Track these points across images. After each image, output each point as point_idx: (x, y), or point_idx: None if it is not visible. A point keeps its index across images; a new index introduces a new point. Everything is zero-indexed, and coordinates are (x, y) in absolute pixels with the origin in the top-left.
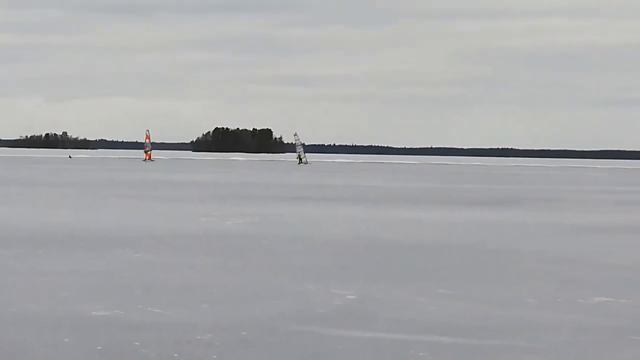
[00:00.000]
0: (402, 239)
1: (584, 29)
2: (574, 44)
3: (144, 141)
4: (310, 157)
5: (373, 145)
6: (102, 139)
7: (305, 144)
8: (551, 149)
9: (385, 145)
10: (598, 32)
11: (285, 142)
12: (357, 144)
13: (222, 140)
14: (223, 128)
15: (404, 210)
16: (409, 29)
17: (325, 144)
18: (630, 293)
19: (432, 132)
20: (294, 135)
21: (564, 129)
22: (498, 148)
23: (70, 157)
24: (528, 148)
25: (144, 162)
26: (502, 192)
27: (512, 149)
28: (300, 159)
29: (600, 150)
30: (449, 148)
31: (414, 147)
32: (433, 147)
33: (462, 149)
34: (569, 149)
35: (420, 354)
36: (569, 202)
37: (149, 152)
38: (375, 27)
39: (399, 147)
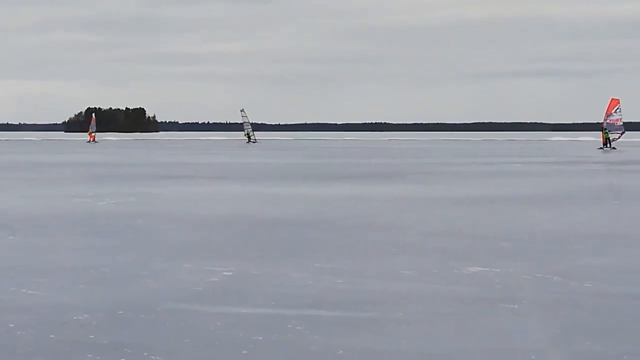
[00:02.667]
0: (278, 215)
1: (456, 4)
2: (446, 18)
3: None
4: (184, 135)
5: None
6: None
7: (179, 122)
8: (424, 122)
9: (260, 122)
10: (469, 7)
11: (159, 120)
12: (231, 122)
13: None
14: (95, 108)
15: (280, 186)
16: (284, 7)
17: (200, 122)
18: (504, 263)
19: (307, 109)
20: (241, 111)
21: (437, 103)
22: (372, 123)
23: None
24: (402, 122)
25: (87, 143)
26: (378, 166)
27: (386, 123)
28: (249, 138)
29: (473, 123)
30: (324, 124)
31: (289, 123)
32: (307, 123)
33: (337, 124)
34: (443, 122)
35: (297, 328)
36: (442, 175)
37: (93, 134)
38: (252, 5)
39: (274, 123)
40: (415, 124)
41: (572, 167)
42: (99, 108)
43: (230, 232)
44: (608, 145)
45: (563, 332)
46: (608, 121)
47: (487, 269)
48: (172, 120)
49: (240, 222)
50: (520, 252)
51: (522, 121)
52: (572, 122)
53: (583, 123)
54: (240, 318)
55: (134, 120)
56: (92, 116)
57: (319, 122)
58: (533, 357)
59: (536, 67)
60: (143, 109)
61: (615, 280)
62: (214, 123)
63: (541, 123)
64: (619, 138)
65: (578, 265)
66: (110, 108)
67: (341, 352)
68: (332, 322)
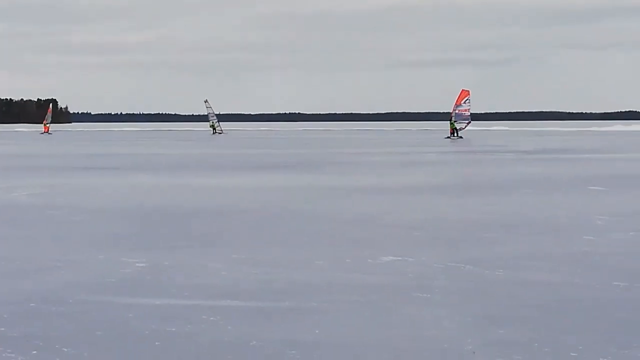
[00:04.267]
0: (193, 206)
1: None
2: (362, 6)
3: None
4: (95, 126)
5: (161, 113)
6: None
7: (92, 113)
8: (338, 112)
9: (173, 113)
10: None
11: (72, 111)
12: (144, 112)
13: (5, 112)
14: (6, 99)
15: (194, 176)
16: None
17: (113, 113)
18: (416, 252)
19: (222, 99)
20: (205, 102)
21: (350, 92)
22: (286, 113)
23: None
24: (316, 112)
25: (41, 134)
26: (291, 156)
27: (299, 113)
28: (214, 129)
29: (387, 113)
30: (239, 114)
31: (202, 114)
32: (221, 113)
33: (251, 114)
34: (356, 112)
35: (211, 319)
36: (356, 165)
37: (47, 125)
38: None
39: (187, 114)
40: (329, 114)
41: (484, 156)
42: (10, 99)
43: (144, 223)
44: (455, 134)
45: (475, 320)
46: (457, 111)
47: (400, 258)
48: (85, 112)
49: (154, 213)
50: (433, 241)
51: (437, 111)
52: (484, 112)
53: (494, 113)
54: (153, 309)
55: (46, 112)
56: (49, 107)
57: (233, 112)
58: (445, 345)
59: (449, 56)
60: (55, 100)
61: (525, 268)
62: (127, 114)
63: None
64: (465, 127)
65: (489, 253)
66: (22, 99)
67: (254, 342)
68: (247, 312)
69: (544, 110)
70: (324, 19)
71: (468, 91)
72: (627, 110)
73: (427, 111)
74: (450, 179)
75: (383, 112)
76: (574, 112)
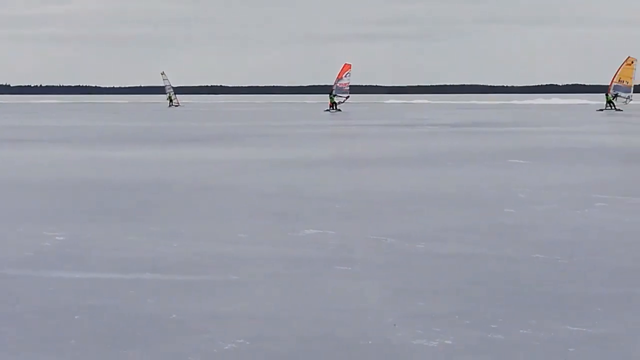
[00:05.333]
0: (114, 179)
1: None
2: None
3: None
4: (11, 98)
5: (81, 85)
6: None
7: (10, 85)
8: (260, 85)
9: (94, 85)
10: None
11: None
12: (64, 85)
13: None
14: None
15: (116, 150)
16: None
17: (32, 85)
18: (338, 225)
19: (142, 71)
20: (161, 74)
21: (272, 65)
22: (208, 85)
23: None
24: (238, 85)
25: None
26: (213, 129)
27: (222, 86)
28: (171, 101)
29: (309, 86)
30: (159, 87)
31: (124, 86)
32: (142, 86)
33: (174, 87)
34: (278, 85)
35: (131, 292)
36: (278, 138)
37: None
38: None
39: (108, 86)
40: (251, 86)
41: (405, 130)
42: None
43: (64, 196)
44: (334, 108)
45: (396, 292)
46: (338, 85)
47: (321, 231)
48: (3, 84)
49: (75, 186)
50: (355, 214)
51: (358, 84)
52: (406, 85)
53: (416, 86)
54: (73, 283)
55: None
56: None
57: (155, 85)
58: (366, 318)
59: (369, 30)
60: None
61: (446, 241)
62: (47, 86)
63: (376, 86)
64: (344, 101)
65: (411, 227)
66: None
67: (174, 315)
68: (167, 285)
69: (465, 83)
70: None
71: (349, 65)
72: (548, 83)
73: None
74: (372, 152)
75: (305, 85)
76: (495, 85)
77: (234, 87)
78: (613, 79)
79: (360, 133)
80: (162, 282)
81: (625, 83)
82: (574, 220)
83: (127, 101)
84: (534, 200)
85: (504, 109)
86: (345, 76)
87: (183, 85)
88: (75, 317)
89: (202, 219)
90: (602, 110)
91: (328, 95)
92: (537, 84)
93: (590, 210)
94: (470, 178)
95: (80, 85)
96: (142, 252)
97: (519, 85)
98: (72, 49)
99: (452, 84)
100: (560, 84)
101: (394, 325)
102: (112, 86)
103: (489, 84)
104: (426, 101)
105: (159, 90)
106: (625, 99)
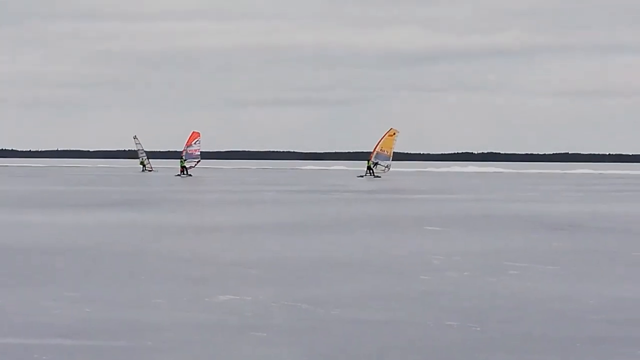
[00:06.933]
0: (28, 243)
1: (207, 32)
2: (196, 46)
3: None
4: None
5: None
6: None
7: None
8: (179, 150)
9: (10, 149)
10: (217, 35)
11: None
12: None
13: None
14: None
15: (31, 214)
16: (38, 31)
17: None
18: (254, 290)
19: (58, 135)
20: (134, 138)
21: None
22: (125, 150)
23: None
24: (157, 150)
25: None
26: (130, 193)
27: (132, 151)
28: (144, 166)
29: (226, 151)
30: (76, 150)
31: (40, 150)
32: (59, 149)
33: (89, 151)
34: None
35: (44, 357)
36: (193, 203)
37: None
38: (5, 29)
39: (25, 150)
40: (169, 151)
41: (321, 196)
42: None
43: None
44: (185, 172)
45: (312, 357)
46: (187, 151)
47: (237, 297)
48: None
49: None
50: (270, 279)
51: (276, 150)
52: (324, 151)
53: (334, 152)
54: None
55: None
56: None
57: (72, 148)
58: None
59: (288, 96)
60: None
61: (363, 307)
62: None
63: (294, 152)
64: (194, 166)
65: (327, 293)
66: None
67: None
68: (81, 351)
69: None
70: (158, 58)
71: (198, 133)
72: (463, 151)
73: (266, 150)
74: (289, 218)
75: (223, 150)
76: (412, 152)
77: (154, 151)
78: (375, 147)
79: (278, 199)
80: (74, 348)
81: (385, 152)
82: (487, 287)
83: (43, 165)
84: (449, 267)
85: (420, 176)
86: (195, 143)
87: (99, 149)
88: None
89: (117, 284)
90: (362, 176)
91: (179, 160)
92: (453, 152)
93: (503, 277)
94: (386, 244)
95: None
96: (55, 317)
97: (435, 153)
98: None
99: (369, 150)
100: (475, 152)
101: None
102: (28, 150)
103: (405, 152)
104: (343, 167)
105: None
106: (384, 167)
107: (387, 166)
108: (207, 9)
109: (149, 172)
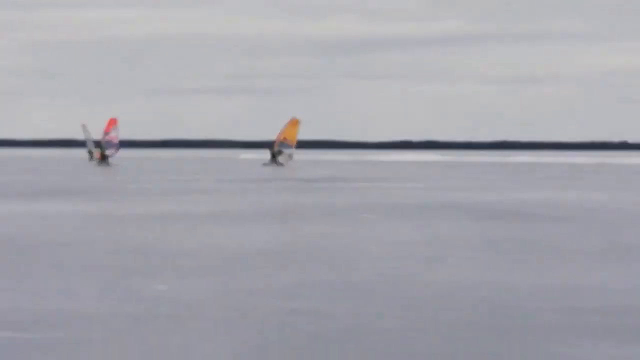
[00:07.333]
0: None
1: (140, 20)
2: (128, 35)
3: None
4: None
5: None
6: None
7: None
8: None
9: None
10: (151, 24)
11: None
12: None
13: None
14: None
15: None
16: None
17: None
18: (188, 281)
19: None
20: (82, 126)
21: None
22: (62, 139)
23: None
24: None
25: None
26: (65, 182)
27: (75, 140)
28: (91, 155)
29: (161, 140)
30: (7, 140)
31: None
32: None
33: (25, 140)
34: (134, 139)
35: None
36: (127, 193)
37: None
38: None
39: None
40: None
41: (261, 185)
42: None
43: None
44: (105, 160)
45: (246, 348)
46: (106, 138)
47: (173, 287)
48: None
49: None
50: (205, 270)
51: (216, 138)
52: (262, 140)
53: (273, 141)
54: None
55: None
56: None
57: (6, 137)
58: None
59: (229, 84)
60: None
61: (298, 297)
62: None
63: (232, 141)
64: (114, 154)
65: (262, 283)
66: None
67: None
68: (8, 343)
69: (321, 139)
70: (95, 47)
71: (116, 119)
72: (403, 139)
73: (205, 139)
74: (224, 208)
75: (158, 139)
76: (350, 141)
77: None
78: (278, 136)
79: (214, 188)
80: (2, 339)
81: (288, 141)
82: (423, 276)
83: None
84: (385, 256)
85: (358, 164)
86: (113, 130)
87: (32, 138)
88: None
89: (47, 274)
90: (266, 164)
91: (98, 148)
92: (392, 140)
93: (439, 266)
94: (322, 233)
95: None
96: None
97: (374, 141)
98: None
99: (308, 139)
100: (414, 140)
101: None
102: None
103: (344, 140)
104: (255, 156)
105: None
106: (288, 156)
107: (290, 154)
108: None
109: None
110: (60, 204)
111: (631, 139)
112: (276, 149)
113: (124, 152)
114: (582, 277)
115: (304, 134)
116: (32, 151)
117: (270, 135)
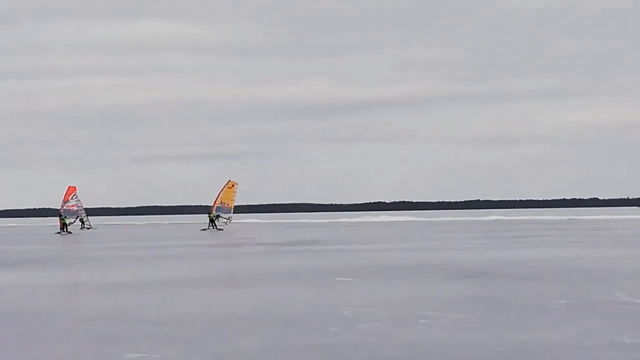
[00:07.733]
0: None
1: (108, 87)
2: (99, 102)
3: None
4: None
5: None
6: None
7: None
8: (89, 207)
9: None
10: (114, 91)
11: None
12: None
13: None
14: None
15: None
16: None
17: None
18: (162, 347)
19: None
20: (73, 198)
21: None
22: (36, 208)
23: None
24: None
25: None
26: (35, 252)
27: (45, 208)
28: (83, 223)
29: (138, 207)
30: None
31: None
32: None
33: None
34: (106, 206)
35: None
36: (99, 260)
37: None
38: None
39: None
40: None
41: (233, 249)
42: None
43: None
44: (65, 229)
45: None
46: (65, 207)
47: (145, 354)
48: None
49: None
50: (178, 336)
51: (187, 204)
52: (237, 204)
53: (246, 205)
54: None
55: None
56: None
57: None
58: None
59: (197, 151)
60: None
61: None
62: None
63: (205, 206)
64: (74, 222)
65: (234, 347)
66: None
67: None
68: None
69: (294, 202)
70: (68, 115)
71: (75, 187)
72: (375, 201)
73: (177, 204)
74: (197, 273)
75: (134, 205)
76: (324, 204)
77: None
78: (215, 200)
79: (190, 254)
80: None
81: (226, 205)
82: (397, 338)
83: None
84: (359, 318)
85: (332, 227)
86: (72, 198)
87: (16, 208)
88: None
89: (20, 342)
90: (205, 230)
91: (58, 217)
92: (365, 202)
93: (412, 327)
94: (296, 297)
95: None
96: None
97: (347, 203)
98: None
99: (282, 202)
100: (388, 202)
101: None
102: None
103: (318, 202)
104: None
105: None
106: (226, 219)
107: (228, 218)
108: (108, 64)
109: (88, 230)
110: (31, 274)
111: (601, 195)
112: (213, 213)
113: (93, 220)
114: (554, 334)
115: (275, 198)
116: (9, 220)
117: (247, 198)
